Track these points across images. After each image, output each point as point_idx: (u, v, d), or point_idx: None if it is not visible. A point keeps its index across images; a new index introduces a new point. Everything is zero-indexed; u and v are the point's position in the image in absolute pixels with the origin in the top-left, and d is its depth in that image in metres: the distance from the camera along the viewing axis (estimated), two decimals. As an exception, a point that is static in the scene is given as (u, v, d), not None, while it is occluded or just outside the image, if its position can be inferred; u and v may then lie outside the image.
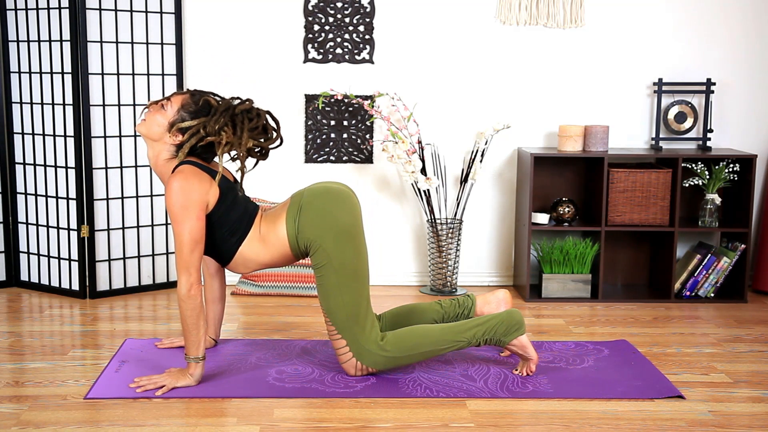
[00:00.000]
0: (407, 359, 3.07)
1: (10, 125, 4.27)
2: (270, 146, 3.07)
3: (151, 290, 4.32)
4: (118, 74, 4.11)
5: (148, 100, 4.18)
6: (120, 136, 4.15)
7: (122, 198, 4.19)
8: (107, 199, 4.14)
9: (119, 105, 4.13)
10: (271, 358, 3.29)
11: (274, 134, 3.06)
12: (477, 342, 3.08)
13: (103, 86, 4.09)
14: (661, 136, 4.44)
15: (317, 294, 3.07)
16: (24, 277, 4.36)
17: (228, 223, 3.00)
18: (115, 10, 4.07)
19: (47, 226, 4.23)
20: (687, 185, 4.32)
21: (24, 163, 4.26)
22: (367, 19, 4.34)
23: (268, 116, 3.06)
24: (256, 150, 3.08)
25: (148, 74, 4.18)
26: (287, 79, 4.38)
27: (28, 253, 4.32)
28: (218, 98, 3.04)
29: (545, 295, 4.27)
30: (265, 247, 3.04)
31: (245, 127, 2.96)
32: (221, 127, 2.93)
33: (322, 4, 4.32)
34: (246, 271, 3.13)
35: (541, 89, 4.43)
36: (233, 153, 3.16)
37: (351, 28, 4.35)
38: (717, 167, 4.22)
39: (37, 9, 4.09)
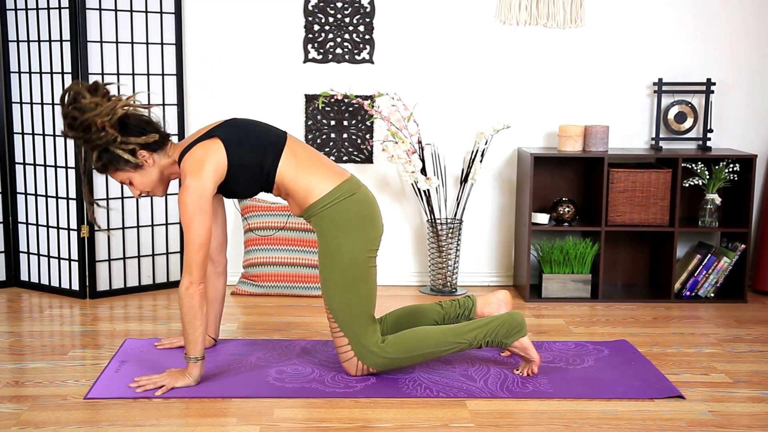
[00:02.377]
0: (408, 361, 3.07)
1: (10, 125, 4.27)
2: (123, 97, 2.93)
3: (151, 290, 4.32)
4: (118, 74, 4.11)
5: (149, 100, 4.18)
6: (120, 136, 4.15)
7: (122, 198, 4.19)
8: (107, 199, 4.14)
9: (119, 105, 4.13)
10: (271, 358, 3.29)
11: (102, 94, 2.91)
12: (478, 344, 3.08)
13: (103, 86, 4.08)
14: (661, 136, 4.44)
15: (321, 289, 3.07)
16: (24, 277, 4.36)
17: (253, 147, 2.98)
18: (115, 10, 4.07)
19: (47, 226, 4.23)
20: (687, 185, 4.32)
21: (24, 163, 4.26)
22: (367, 19, 4.34)
23: (75, 96, 2.89)
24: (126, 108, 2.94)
25: (148, 74, 4.18)
26: (287, 79, 4.38)
27: (28, 253, 4.32)
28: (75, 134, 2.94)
29: (545, 295, 4.27)
30: (296, 176, 3.01)
31: (89, 120, 2.86)
32: (99, 131, 2.87)
33: (322, 4, 4.32)
34: (276, 194, 3.10)
35: (541, 89, 4.43)
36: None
37: (351, 28, 4.34)
38: (717, 167, 4.22)
39: (37, 9, 4.09)
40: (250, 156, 2.98)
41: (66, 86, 3.01)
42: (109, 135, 2.88)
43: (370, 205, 3.07)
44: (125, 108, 2.91)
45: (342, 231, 3.00)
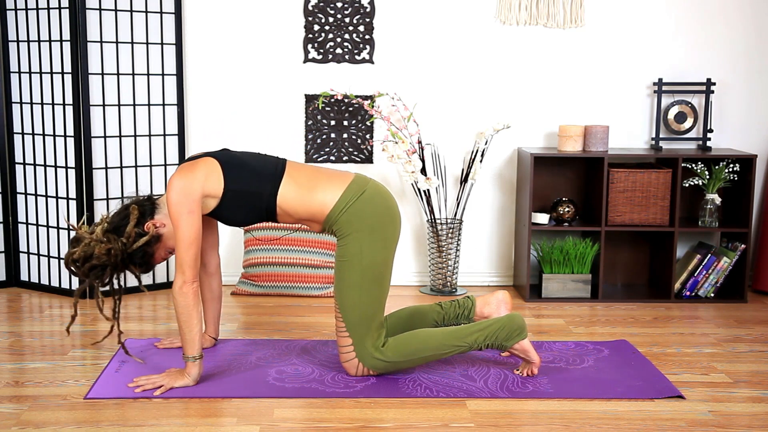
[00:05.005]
0: (408, 363, 3.07)
1: (10, 125, 4.27)
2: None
3: (151, 290, 4.32)
4: (118, 74, 4.11)
5: (148, 100, 4.18)
6: (120, 136, 4.15)
7: (122, 198, 4.16)
8: (107, 199, 4.14)
9: (119, 105, 4.13)
10: (271, 358, 3.29)
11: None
12: (479, 347, 3.08)
13: (103, 86, 4.09)
14: (661, 136, 4.44)
15: (333, 288, 3.06)
16: (24, 277, 4.36)
17: (251, 175, 2.98)
18: (115, 10, 4.08)
19: (47, 226, 4.23)
20: (687, 185, 4.32)
21: (24, 163, 4.26)
22: (367, 19, 4.34)
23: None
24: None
25: (148, 74, 4.18)
26: (287, 79, 4.38)
27: (28, 253, 4.32)
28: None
29: (545, 295, 4.27)
30: (301, 200, 3.00)
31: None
32: (107, 254, 2.96)
33: (322, 4, 4.32)
34: (287, 221, 3.08)
35: (541, 89, 4.43)
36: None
37: (351, 28, 4.35)
38: (717, 167, 4.22)
39: (37, 9, 4.09)
40: (249, 182, 2.97)
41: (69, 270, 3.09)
42: (115, 246, 2.96)
43: (383, 198, 3.06)
44: (102, 225, 3.01)
45: (361, 233, 2.99)
